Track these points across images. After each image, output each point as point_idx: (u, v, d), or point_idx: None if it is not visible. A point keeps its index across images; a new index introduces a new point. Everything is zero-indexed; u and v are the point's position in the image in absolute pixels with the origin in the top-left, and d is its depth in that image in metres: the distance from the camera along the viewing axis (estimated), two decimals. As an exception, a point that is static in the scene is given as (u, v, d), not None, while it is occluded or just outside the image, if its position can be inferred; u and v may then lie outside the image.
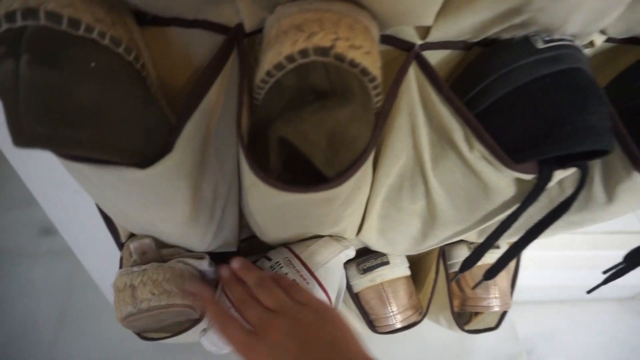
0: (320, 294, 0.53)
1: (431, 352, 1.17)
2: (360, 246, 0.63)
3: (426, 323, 0.70)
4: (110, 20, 0.30)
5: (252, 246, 0.62)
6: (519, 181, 0.38)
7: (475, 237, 0.61)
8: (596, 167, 0.40)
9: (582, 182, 0.37)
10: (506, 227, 0.41)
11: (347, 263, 0.63)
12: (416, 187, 0.44)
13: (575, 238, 1.14)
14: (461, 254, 0.64)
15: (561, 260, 1.19)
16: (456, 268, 0.65)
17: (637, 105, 0.38)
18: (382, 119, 0.34)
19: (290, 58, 0.29)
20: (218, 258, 0.59)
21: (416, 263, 0.75)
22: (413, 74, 0.37)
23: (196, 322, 0.56)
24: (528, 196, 0.37)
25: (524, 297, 1.27)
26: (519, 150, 0.34)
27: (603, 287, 1.38)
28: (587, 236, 1.18)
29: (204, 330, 0.55)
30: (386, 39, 0.36)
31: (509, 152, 0.35)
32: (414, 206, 0.46)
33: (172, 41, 0.37)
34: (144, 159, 0.31)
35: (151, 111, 0.32)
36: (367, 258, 0.62)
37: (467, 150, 0.37)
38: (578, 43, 0.34)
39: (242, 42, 0.35)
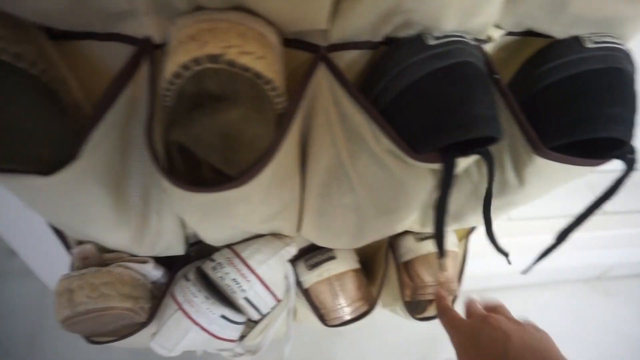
0: (262, 291, 0.54)
1: (405, 342, 1.19)
2: (308, 243, 0.64)
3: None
4: (15, 37, 0.32)
5: (202, 249, 0.63)
6: (432, 171, 0.40)
7: (418, 227, 0.63)
8: (506, 154, 0.43)
9: (491, 169, 0.39)
10: (440, 216, 0.43)
11: (296, 260, 0.65)
12: (342, 183, 0.46)
13: (533, 224, 1.17)
14: (408, 244, 0.66)
15: (525, 246, 1.22)
16: (405, 258, 0.67)
17: (538, 92, 0.40)
18: (287, 118, 0.35)
19: (185, 66, 0.31)
20: (165, 261, 0.61)
21: (369, 256, 0.77)
22: (323, 75, 0.39)
23: (143, 325, 0.57)
24: (441, 184, 0.39)
25: (494, 283, 1.30)
26: (418, 142, 0.36)
27: (570, 268, 1.41)
28: (547, 221, 1.21)
29: (154, 334, 0.56)
30: (293, 43, 0.38)
31: (411, 144, 0.37)
32: (344, 201, 0.48)
33: (90, 54, 0.38)
34: (52, 167, 0.32)
35: (61, 121, 0.34)
36: (314, 254, 0.63)
37: (375, 145, 0.39)
38: (469, 38, 0.36)
39: (152, 53, 0.36)
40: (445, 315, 0.49)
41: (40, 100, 0.32)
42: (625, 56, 0.37)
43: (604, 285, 1.33)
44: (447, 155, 0.37)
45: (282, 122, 0.35)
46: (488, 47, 0.44)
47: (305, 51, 0.39)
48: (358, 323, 0.67)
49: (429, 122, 0.35)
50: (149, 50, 0.36)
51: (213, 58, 0.30)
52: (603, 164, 0.40)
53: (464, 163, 0.38)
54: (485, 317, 0.44)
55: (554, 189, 0.46)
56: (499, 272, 1.24)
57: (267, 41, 0.33)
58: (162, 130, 0.35)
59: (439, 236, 0.44)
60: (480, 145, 0.37)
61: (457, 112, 0.33)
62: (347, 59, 0.40)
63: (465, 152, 0.38)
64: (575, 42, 0.38)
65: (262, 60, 0.31)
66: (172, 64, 0.31)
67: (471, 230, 0.71)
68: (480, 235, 1.19)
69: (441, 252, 0.46)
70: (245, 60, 0.30)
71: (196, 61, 0.30)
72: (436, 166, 0.38)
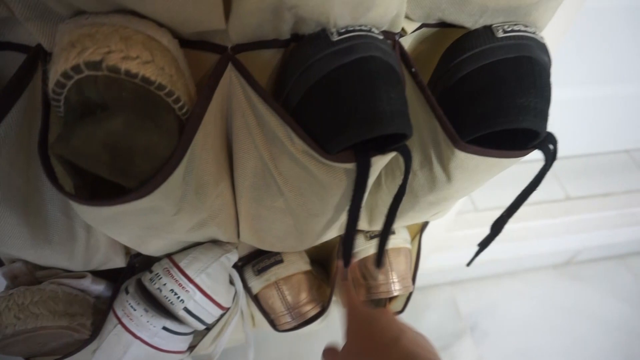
0: (202, 300, 0.53)
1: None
2: (255, 248, 0.63)
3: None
4: None
5: (147, 259, 0.61)
6: (347, 171, 0.39)
7: (367, 225, 0.62)
8: (431, 149, 0.42)
9: (407, 166, 0.38)
10: (351, 217, 0.41)
11: (244, 266, 0.64)
12: (270, 186, 0.45)
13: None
14: (359, 244, 0.65)
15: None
16: (357, 257, 0.66)
17: (455, 84, 0.39)
18: (191, 123, 0.34)
19: (66, 75, 0.29)
20: (106, 274, 0.59)
21: (325, 257, 0.76)
22: (235, 77, 0.38)
23: (87, 342, 0.55)
24: (355, 184, 0.38)
25: (463, 275, 1.31)
26: (327, 141, 0.35)
27: (538, 256, 1.42)
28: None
29: (94, 351, 0.54)
30: (199, 44, 0.37)
31: (323, 144, 0.36)
32: (276, 203, 0.47)
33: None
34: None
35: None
36: (261, 259, 0.62)
37: (291, 146, 0.37)
38: (377, 32, 0.35)
39: (44, 60, 0.34)
40: (347, 297, 0.51)
41: None
42: (538, 45, 0.37)
43: (573, 270, 1.34)
44: (361, 155, 0.36)
45: (185, 127, 0.34)
46: (408, 41, 0.43)
47: (213, 53, 0.37)
48: (316, 324, 0.66)
49: (334, 120, 0.34)
50: (41, 58, 0.34)
51: (92, 65, 0.28)
52: (523, 156, 0.39)
53: (380, 161, 0.37)
54: (384, 310, 0.46)
55: (483, 182, 0.45)
56: (464, 264, 1.24)
57: (157, 44, 0.31)
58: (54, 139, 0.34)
59: (348, 241, 0.43)
60: (398, 141, 0.36)
61: (359, 109, 0.32)
62: (262, 59, 0.39)
63: (383, 150, 0.37)
64: (486, 32, 0.37)
65: (150, 64, 0.30)
66: (54, 73, 0.30)
67: (424, 227, 0.70)
68: (448, 228, 1.18)
69: (347, 259, 0.46)
70: (128, 66, 0.29)
71: (76, 68, 0.29)
72: (350, 166, 0.36)
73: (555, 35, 0.50)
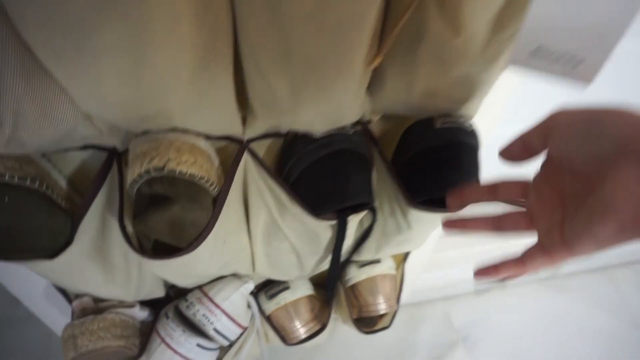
0: (227, 322, 0.67)
1: (379, 351, 1.31)
2: (264, 279, 0.78)
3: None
4: (19, 165, 0.45)
5: (179, 290, 0.76)
6: (333, 226, 0.53)
7: (356, 256, 0.76)
8: (394, 204, 0.56)
9: (374, 219, 0.53)
10: (334, 260, 0.56)
11: (258, 292, 0.78)
12: (278, 234, 0.59)
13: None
14: (351, 271, 0.79)
15: (480, 254, 1.35)
16: (349, 283, 0.80)
17: (408, 159, 0.53)
18: (220, 199, 0.49)
19: (140, 175, 0.44)
20: (150, 303, 0.73)
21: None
22: (249, 159, 0.53)
23: (136, 358, 0.70)
24: (337, 234, 0.52)
25: (457, 290, 1.43)
26: (317, 208, 0.50)
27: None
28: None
29: (142, 363, 0.69)
30: (224, 138, 0.52)
31: (314, 208, 0.50)
32: (282, 246, 0.62)
33: (75, 159, 0.52)
34: (54, 251, 0.45)
35: (56, 218, 0.47)
36: (271, 286, 0.77)
37: (292, 208, 0.52)
38: (349, 129, 0.50)
39: (119, 159, 0.50)
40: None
41: (40, 206, 0.46)
42: (467, 133, 0.51)
43: (558, 283, 1.46)
44: (341, 215, 0.50)
45: (217, 202, 0.49)
46: (376, 122, 0.58)
47: (234, 142, 0.52)
48: (320, 338, 0.80)
49: (320, 194, 0.49)
50: (116, 155, 0.50)
51: (158, 169, 0.43)
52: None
53: (355, 218, 0.52)
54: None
55: (436, 227, 0.60)
56: (456, 280, 1.37)
57: (197, 148, 0.46)
58: (130, 216, 0.49)
59: (333, 277, 0.57)
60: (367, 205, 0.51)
61: (336, 188, 0.47)
62: (267, 144, 0.54)
63: (356, 210, 0.51)
64: (428, 122, 0.51)
65: (195, 164, 0.45)
66: (131, 173, 0.45)
67: (406, 256, 0.84)
68: (434, 249, 1.32)
69: (332, 292, 0.59)
70: (181, 168, 0.44)
71: (147, 172, 0.44)
72: (334, 222, 0.51)
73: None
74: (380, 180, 0.55)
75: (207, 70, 0.37)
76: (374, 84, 0.46)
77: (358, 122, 0.53)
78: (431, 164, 0.50)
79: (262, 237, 0.62)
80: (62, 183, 0.52)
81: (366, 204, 0.50)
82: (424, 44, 0.39)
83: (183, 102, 0.38)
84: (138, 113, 0.39)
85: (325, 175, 0.48)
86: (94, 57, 0.30)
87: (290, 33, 0.33)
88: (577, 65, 0.30)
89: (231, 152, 0.52)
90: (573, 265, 1.46)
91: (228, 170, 0.51)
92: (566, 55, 0.30)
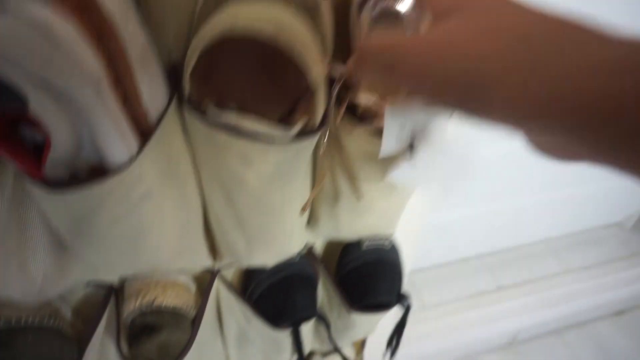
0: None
1: None
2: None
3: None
4: (38, 306, 0.57)
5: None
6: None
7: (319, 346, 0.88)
8: (341, 308, 0.70)
9: (327, 325, 0.66)
10: (299, 355, 0.68)
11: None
12: (247, 339, 0.72)
13: (447, 308, 1.44)
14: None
15: (440, 328, 1.47)
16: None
17: (345, 273, 0.68)
18: (197, 321, 0.62)
19: (134, 310, 0.57)
20: None
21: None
22: (220, 283, 0.66)
23: None
24: (294, 340, 0.65)
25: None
26: (274, 321, 0.63)
27: (483, 341, 1.64)
28: (457, 304, 1.48)
29: None
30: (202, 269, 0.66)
31: (272, 322, 0.64)
32: (252, 349, 0.74)
33: (78, 293, 0.64)
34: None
35: (66, 347, 0.59)
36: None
37: (256, 321, 0.65)
38: (297, 257, 0.65)
39: (115, 294, 0.63)
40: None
41: (53, 339, 0.57)
42: (390, 250, 0.67)
43: (517, 349, 1.58)
44: (293, 325, 0.64)
45: (194, 324, 0.61)
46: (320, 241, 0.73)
47: (207, 271, 0.66)
48: None
49: (276, 311, 0.62)
50: (113, 291, 0.63)
51: (148, 304, 0.57)
52: (388, 311, 0.67)
53: (306, 327, 0.65)
54: None
55: (377, 322, 0.73)
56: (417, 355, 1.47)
57: (178, 284, 0.60)
58: (125, 340, 0.61)
59: None
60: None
61: (286, 306, 0.61)
62: (232, 269, 0.68)
63: (306, 319, 0.65)
64: (356, 244, 0.67)
65: (177, 297, 0.58)
66: (127, 308, 0.58)
67: (363, 343, 0.97)
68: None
69: None
70: (166, 302, 0.57)
71: (139, 307, 0.57)
72: (290, 330, 0.64)
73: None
74: (328, 290, 0.69)
75: (187, 236, 0.51)
76: (312, 223, 0.62)
77: (305, 246, 0.68)
78: (362, 277, 0.65)
79: (234, 344, 0.74)
80: (68, 314, 0.64)
81: (312, 315, 0.64)
82: (340, 202, 0.55)
83: (168, 259, 0.52)
84: (135, 269, 0.53)
85: (278, 297, 0.62)
86: (111, 249, 0.44)
87: (240, 212, 0.48)
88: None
89: (205, 276, 0.65)
90: (529, 331, 1.59)
91: (204, 293, 0.64)
92: None
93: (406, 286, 0.71)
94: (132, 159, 0.37)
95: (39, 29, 0.27)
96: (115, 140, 0.35)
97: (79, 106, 0.31)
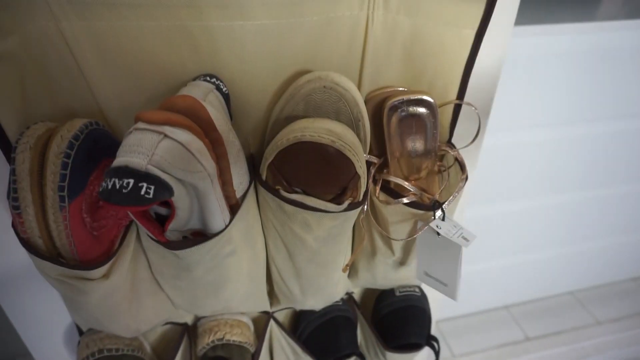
0: None
1: None
2: None
3: None
4: (130, 340, 0.71)
5: None
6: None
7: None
8: (377, 348, 0.80)
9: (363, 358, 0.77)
10: None
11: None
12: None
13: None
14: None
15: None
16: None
17: (382, 317, 0.79)
18: (256, 356, 0.74)
19: (207, 344, 0.70)
20: None
21: None
22: (274, 324, 0.79)
23: None
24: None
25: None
26: (321, 357, 0.74)
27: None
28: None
29: None
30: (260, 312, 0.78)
31: (319, 358, 0.75)
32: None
33: (156, 331, 0.78)
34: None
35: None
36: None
37: (305, 357, 0.77)
38: (340, 302, 0.77)
39: (189, 331, 0.76)
40: None
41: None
42: (419, 297, 0.78)
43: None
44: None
45: (253, 357, 0.73)
46: (358, 291, 0.85)
47: (263, 314, 0.79)
48: None
49: (323, 348, 0.74)
50: (187, 329, 0.76)
51: (219, 340, 0.69)
52: (418, 351, 0.78)
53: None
54: None
55: None
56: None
57: (242, 322, 0.73)
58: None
59: None
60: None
61: (332, 344, 0.72)
62: (285, 311, 0.81)
63: (348, 356, 0.76)
64: (390, 292, 0.78)
65: (241, 334, 0.71)
66: (200, 342, 0.71)
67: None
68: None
69: None
70: (233, 338, 0.70)
71: (212, 342, 0.69)
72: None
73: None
74: (365, 332, 0.80)
75: (254, 285, 0.65)
76: (352, 274, 0.74)
77: (346, 293, 0.80)
78: (395, 321, 0.76)
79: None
80: (148, 349, 0.77)
81: (354, 353, 0.75)
82: (376, 258, 0.67)
83: (238, 303, 0.65)
84: (212, 311, 0.66)
85: (325, 335, 0.74)
86: (199, 293, 0.58)
87: (299, 265, 0.61)
88: (445, 286, 0.58)
89: (262, 318, 0.78)
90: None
91: (261, 332, 0.77)
92: (439, 279, 0.58)
93: (435, 335, 0.81)
94: (226, 226, 0.51)
95: (185, 145, 0.42)
96: (218, 213, 0.50)
97: (200, 192, 0.46)
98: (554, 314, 1.68)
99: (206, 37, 0.50)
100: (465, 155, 0.72)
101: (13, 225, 0.49)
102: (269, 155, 0.51)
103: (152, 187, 0.40)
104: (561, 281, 1.71)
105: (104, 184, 0.39)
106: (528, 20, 0.97)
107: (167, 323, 0.77)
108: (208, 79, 0.52)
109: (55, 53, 0.48)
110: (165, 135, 0.42)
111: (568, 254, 1.60)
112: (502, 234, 1.40)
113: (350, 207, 0.53)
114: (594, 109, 1.16)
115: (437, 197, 0.59)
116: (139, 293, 0.61)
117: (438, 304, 0.97)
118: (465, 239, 0.54)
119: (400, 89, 0.58)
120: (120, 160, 0.40)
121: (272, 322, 0.78)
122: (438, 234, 0.56)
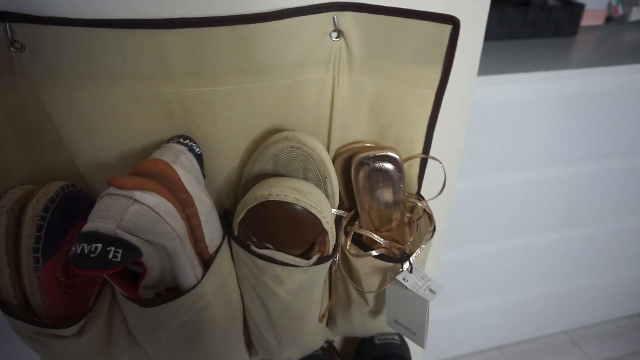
0: None
1: None
2: None
3: None
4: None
5: None
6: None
7: None
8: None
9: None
10: None
11: None
12: None
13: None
14: None
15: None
16: None
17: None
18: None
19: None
20: None
21: None
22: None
23: None
24: None
25: None
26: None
27: None
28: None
29: None
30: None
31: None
32: None
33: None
34: None
35: None
36: None
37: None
38: (320, 351, 0.77)
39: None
40: None
41: None
42: (399, 345, 0.78)
43: None
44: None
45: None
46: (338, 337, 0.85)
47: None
48: None
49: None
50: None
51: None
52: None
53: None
54: None
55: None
56: None
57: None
58: None
59: None
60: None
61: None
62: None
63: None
64: (370, 340, 0.79)
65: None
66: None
67: None
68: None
69: None
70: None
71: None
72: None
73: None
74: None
75: (231, 337, 0.65)
76: (331, 324, 0.75)
77: (326, 341, 0.81)
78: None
79: None
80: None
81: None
82: (352, 307, 0.68)
83: (215, 355, 0.66)
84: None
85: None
86: (174, 347, 0.59)
87: (273, 317, 0.62)
88: (414, 334, 0.59)
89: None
90: None
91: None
92: (408, 327, 0.59)
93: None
94: (198, 282, 0.53)
95: (153, 209, 0.44)
96: (189, 270, 0.51)
97: (169, 251, 0.48)
98: (548, 354, 1.66)
99: (179, 102, 0.53)
100: (438, 202, 0.75)
101: (-11, 286, 0.50)
102: (239, 213, 0.53)
103: (120, 251, 0.42)
104: (555, 320, 1.70)
105: (73, 248, 0.41)
106: (499, 70, 1.01)
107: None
108: (182, 140, 0.54)
109: (35, 120, 0.51)
110: (135, 200, 0.44)
111: (559, 293, 1.60)
112: (489, 274, 1.41)
113: (319, 262, 0.55)
114: (567, 151, 1.20)
115: (407, 248, 0.60)
116: (114, 349, 0.61)
117: (421, 350, 0.97)
118: (432, 291, 0.55)
119: (368, 144, 0.61)
120: (90, 225, 0.42)
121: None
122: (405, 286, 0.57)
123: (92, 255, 0.40)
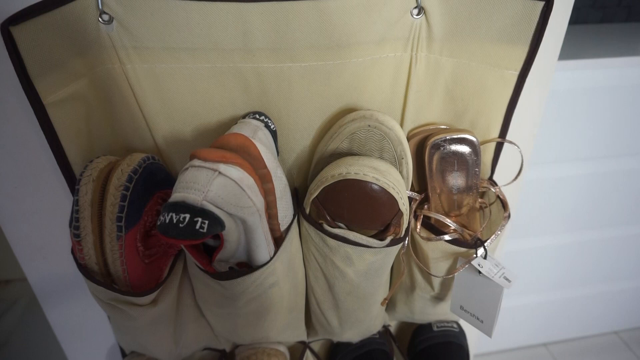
0: None
1: None
2: None
3: None
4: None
5: None
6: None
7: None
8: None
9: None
10: None
11: None
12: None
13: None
14: None
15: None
16: None
17: (419, 352, 0.78)
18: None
19: (245, 371, 0.71)
20: None
21: None
22: (310, 356, 0.79)
23: None
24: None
25: None
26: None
27: None
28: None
29: None
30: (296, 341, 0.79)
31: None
32: None
33: (194, 356, 0.79)
34: None
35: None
36: None
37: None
38: (377, 335, 0.77)
39: (227, 358, 0.77)
40: None
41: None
42: (457, 333, 0.77)
43: None
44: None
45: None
46: (394, 324, 0.84)
47: (300, 343, 0.79)
48: None
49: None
50: (225, 355, 0.77)
51: (257, 368, 0.70)
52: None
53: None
54: None
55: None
56: None
57: (279, 351, 0.73)
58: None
59: None
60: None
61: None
62: (321, 342, 0.81)
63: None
64: (428, 326, 0.78)
65: (280, 356, 0.72)
66: (239, 370, 0.72)
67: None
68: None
69: None
70: (271, 365, 0.71)
71: (249, 370, 0.70)
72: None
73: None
74: (400, 367, 0.80)
75: (293, 315, 0.66)
76: (390, 309, 0.74)
77: (383, 325, 0.80)
78: (434, 356, 0.75)
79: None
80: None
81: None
82: (415, 292, 0.67)
83: (277, 332, 0.66)
84: (251, 339, 0.68)
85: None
86: (240, 322, 0.59)
87: (338, 297, 0.62)
88: (481, 322, 0.58)
89: (298, 348, 0.78)
90: None
91: (297, 362, 0.77)
92: (475, 314, 0.58)
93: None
94: (270, 258, 0.53)
95: (237, 182, 0.44)
96: (264, 246, 0.51)
97: (248, 226, 0.48)
98: (596, 354, 1.60)
99: (256, 78, 0.53)
100: (507, 191, 0.72)
101: (72, 252, 0.52)
102: (314, 190, 0.53)
103: (207, 222, 0.42)
104: (605, 320, 1.64)
105: (161, 217, 0.42)
106: (572, 55, 0.97)
107: (205, 349, 0.78)
108: (257, 116, 0.54)
109: (118, 93, 0.52)
110: (220, 173, 0.44)
111: (613, 292, 1.54)
112: (543, 269, 1.36)
113: (393, 243, 0.54)
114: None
115: (479, 234, 0.59)
116: (182, 319, 0.63)
117: (473, 339, 0.95)
118: (507, 279, 0.53)
119: (442, 126, 0.59)
120: (178, 195, 0.42)
121: (307, 352, 0.78)
122: (479, 272, 0.56)
123: (180, 225, 0.41)
